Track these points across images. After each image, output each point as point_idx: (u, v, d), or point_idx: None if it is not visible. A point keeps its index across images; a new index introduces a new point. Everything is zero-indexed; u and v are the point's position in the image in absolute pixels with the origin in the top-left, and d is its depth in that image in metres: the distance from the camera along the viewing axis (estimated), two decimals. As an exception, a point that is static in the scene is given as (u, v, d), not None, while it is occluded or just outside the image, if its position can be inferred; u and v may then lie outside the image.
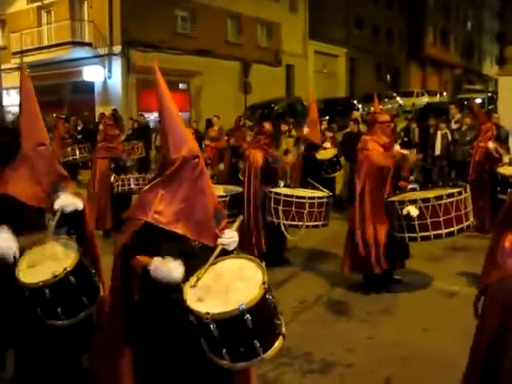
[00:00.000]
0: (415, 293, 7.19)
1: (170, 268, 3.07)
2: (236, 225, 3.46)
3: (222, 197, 7.98)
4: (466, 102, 24.23)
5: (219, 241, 3.29)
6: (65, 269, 3.66)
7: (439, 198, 6.32)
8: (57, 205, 3.98)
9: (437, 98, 36.45)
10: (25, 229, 3.99)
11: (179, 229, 3.25)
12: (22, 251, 3.88)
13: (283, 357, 5.18)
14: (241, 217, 3.76)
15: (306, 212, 7.52)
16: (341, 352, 5.47)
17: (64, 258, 3.81)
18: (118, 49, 26.07)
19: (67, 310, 3.74)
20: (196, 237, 3.29)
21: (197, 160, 3.29)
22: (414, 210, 6.31)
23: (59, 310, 3.70)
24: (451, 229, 6.33)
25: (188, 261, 3.15)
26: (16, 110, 29.58)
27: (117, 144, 10.81)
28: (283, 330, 2.97)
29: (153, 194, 3.31)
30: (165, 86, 3.41)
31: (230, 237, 3.32)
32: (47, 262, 3.82)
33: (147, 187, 3.42)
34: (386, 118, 7.31)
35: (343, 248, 7.45)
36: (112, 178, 10.26)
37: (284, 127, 14.23)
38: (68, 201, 4.01)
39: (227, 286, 3.01)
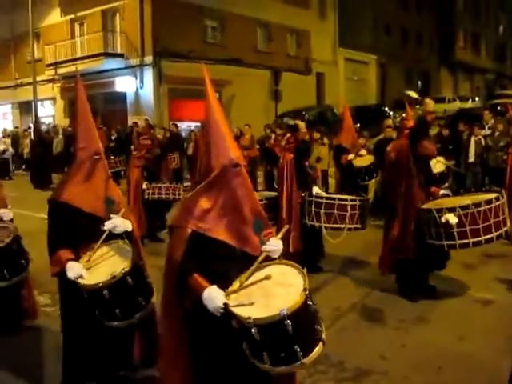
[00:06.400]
0: (450, 300, 7.12)
1: (212, 298, 3.11)
2: (281, 233, 3.50)
3: None
4: (499, 108, 23.86)
5: (263, 248, 3.32)
6: (123, 269, 3.79)
7: (478, 205, 6.23)
8: (108, 225, 4.19)
9: (469, 104, 35.92)
10: (82, 235, 4.16)
11: (220, 235, 3.30)
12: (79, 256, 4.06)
13: (319, 364, 5.18)
14: (287, 226, 3.85)
15: (348, 214, 7.53)
16: (375, 359, 5.46)
17: (120, 261, 3.95)
18: (149, 59, 26.47)
19: (125, 310, 3.85)
20: (236, 243, 3.33)
21: (238, 168, 3.32)
22: (453, 218, 6.24)
23: (117, 311, 3.82)
24: (490, 235, 6.26)
25: (230, 266, 3.22)
26: (50, 120, 30.22)
27: (149, 153, 10.92)
28: (323, 335, 3.00)
29: (194, 202, 3.37)
30: (214, 95, 3.47)
31: (274, 244, 3.35)
32: (103, 265, 3.97)
33: (189, 195, 3.50)
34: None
35: (378, 253, 7.48)
36: (144, 185, 10.47)
37: (316, 135, 14.30)
38: (118, 223, 4.24)
39: (269, 291, 3.06)
